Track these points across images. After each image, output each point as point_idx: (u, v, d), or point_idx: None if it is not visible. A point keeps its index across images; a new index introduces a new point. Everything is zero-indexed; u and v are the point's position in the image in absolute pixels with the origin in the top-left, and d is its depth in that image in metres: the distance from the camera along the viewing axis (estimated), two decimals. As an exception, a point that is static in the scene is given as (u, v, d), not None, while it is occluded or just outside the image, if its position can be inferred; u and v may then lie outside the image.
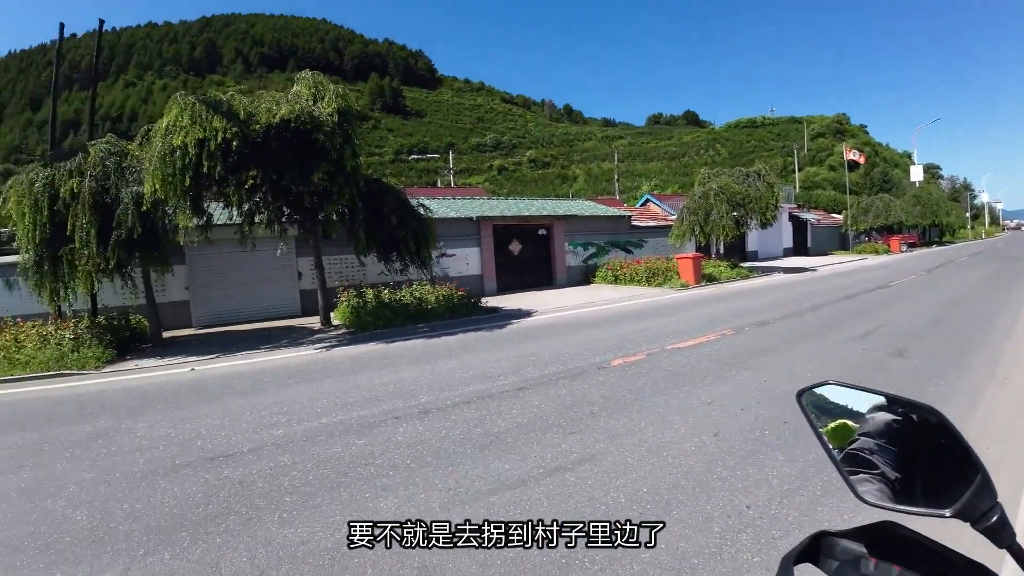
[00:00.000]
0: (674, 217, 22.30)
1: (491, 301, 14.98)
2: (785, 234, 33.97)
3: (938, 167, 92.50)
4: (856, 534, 0.70)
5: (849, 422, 0.71)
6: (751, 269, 20.40)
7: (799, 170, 63.64)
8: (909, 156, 67.25)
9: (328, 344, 9.89)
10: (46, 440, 5.21)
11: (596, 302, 13.78)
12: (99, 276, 9.88)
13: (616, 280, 18.52)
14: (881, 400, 0.72)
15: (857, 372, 5.89)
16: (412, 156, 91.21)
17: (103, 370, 8.72)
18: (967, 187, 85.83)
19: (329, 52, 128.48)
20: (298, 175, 9.86)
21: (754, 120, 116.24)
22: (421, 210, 12.48)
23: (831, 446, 0.72)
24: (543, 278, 19.51)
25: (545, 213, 19.75)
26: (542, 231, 19.62)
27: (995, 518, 0.58)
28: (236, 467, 4.17)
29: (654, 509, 3.10)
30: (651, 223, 24.09)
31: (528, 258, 19.33)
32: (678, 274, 17.26)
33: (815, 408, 0.76)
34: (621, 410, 4.90)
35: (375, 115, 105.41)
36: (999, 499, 0.58)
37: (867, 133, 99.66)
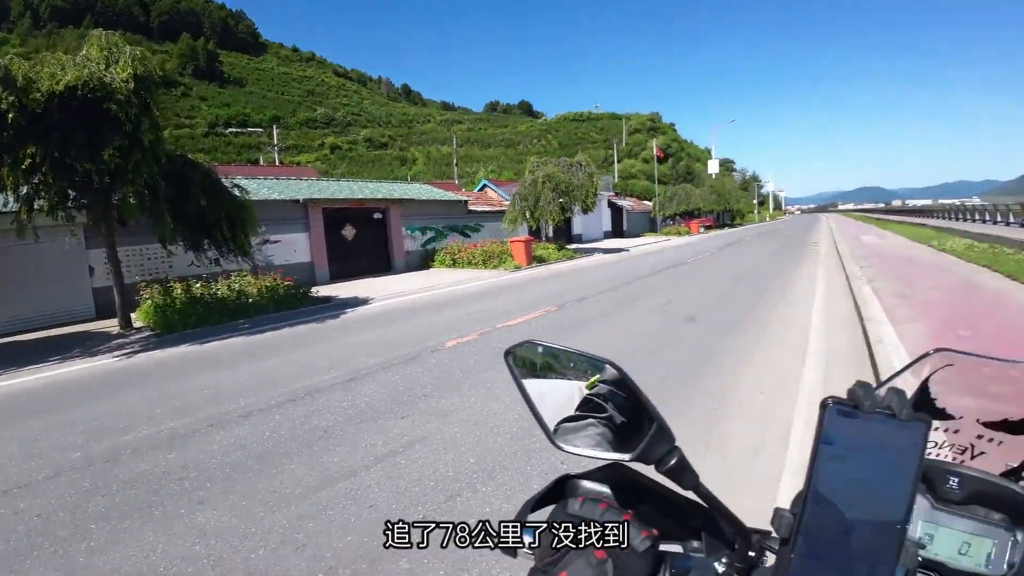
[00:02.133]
0: (508, 202, 23.29)
1: (324, 290, 14.22)
2: (605, 218, 37.79)
3: (732, 161, 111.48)
4: (600, 476, 0.72)
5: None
6: (576, 250, 22.32)
7: (618, 161, 70.68)
8: (708, 151, 78.72)
9: (130, 350, 8.53)
10: None
11: (434, 286, 13.87)
12: None
13: (454, 264, 18.83)
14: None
15: (658, 335, 6.89)
16: (230, 130, 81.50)
17: None
18: (755, 179, 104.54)
19: (133, 6, 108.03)
20: (86, 151, 8.27)
21: (581, 114, 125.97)
22: (236, 191, 11.18)
23: (530, 397, 0.71)
24: (381, 264, 19.01)
25: (380, 196, 19.13)
26: (378, 215, 19.03)
27: (673, 461, 0.62)
28: (34, 498, 3.57)
29: (480, 476, 3.33)
30: (487, 208, 24.81)
31: (364, 243, 18.61)
32: (512, 256, 18.14)
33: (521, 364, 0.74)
34: (451, 389, 5.08)
35: (185, 80, 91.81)
36: (678, 444, 0.63)
37: (675, 131, 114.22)
